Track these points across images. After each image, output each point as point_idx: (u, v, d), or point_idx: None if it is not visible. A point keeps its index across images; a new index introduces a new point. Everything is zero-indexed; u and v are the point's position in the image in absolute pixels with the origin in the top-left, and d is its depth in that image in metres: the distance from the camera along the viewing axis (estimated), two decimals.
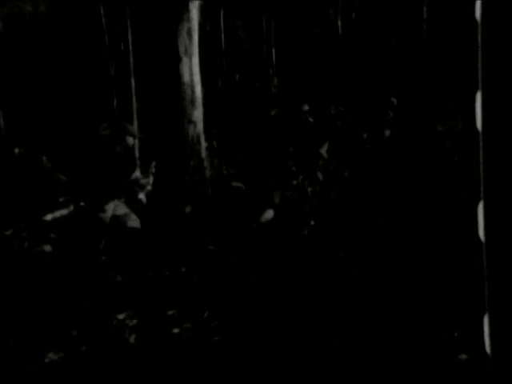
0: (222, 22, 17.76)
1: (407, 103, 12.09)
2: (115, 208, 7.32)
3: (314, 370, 4.72)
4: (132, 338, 5.36)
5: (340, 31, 17.78)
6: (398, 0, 16.39)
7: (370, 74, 15.77)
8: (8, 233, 8.04)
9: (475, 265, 5.85)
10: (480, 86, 1.44)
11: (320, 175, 8.40)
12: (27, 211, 8.86)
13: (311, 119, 12.09)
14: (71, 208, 8.64)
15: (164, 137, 8.79)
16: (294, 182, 8.46)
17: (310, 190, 8.03)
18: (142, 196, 8.44)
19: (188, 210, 7.93)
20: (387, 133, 10.20)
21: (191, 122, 8.58)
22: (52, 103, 16.18)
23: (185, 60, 8.48)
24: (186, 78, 8.51)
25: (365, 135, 9.97)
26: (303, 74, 17.04)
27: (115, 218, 7.30)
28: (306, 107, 12.78)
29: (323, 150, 9.14)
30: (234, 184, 8.78)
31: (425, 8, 15.89)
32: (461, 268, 5.96)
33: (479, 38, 1.41)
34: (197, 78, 8.65)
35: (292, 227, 7.27)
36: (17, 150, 11.76)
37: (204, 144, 8.88)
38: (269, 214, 7.57)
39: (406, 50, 16.25)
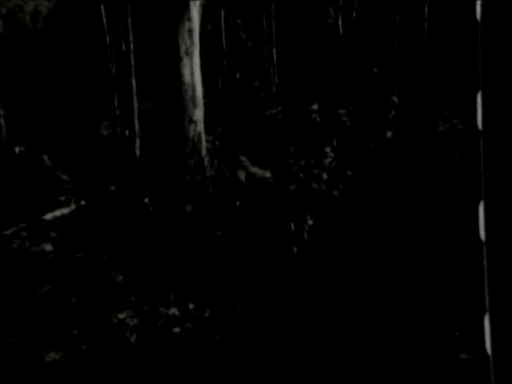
0: (222, 21, 17.77)
1: (409, 102, 12.10)
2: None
3: (313, 370, 4.72)
4: (133, 338, 5.37)
5: (341, 30, 17.78)
6: None
7: (371, 72, 15.78)
8: (8, 232, 8.04)
9: (475, 265, 5.85)
10: (480, 86, 1.44)
11: (324, 174, 8.40)
12: (28, 210, 8.86)
13: (318, 118, 12.07)
14: (72, 207, 8.65)
15: (165, 136, 8.79)
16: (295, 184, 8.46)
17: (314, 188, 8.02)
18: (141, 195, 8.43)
19: (189, 209, 7.93)
20: (389, 132, 10.20)
21: (192, 121, 8.58)
22: (53, 102, 16.19)
23: (186, 60, 8.48)
24: (186, 77, 8.51)
25: (367, 135, 9.97)
26: (304, 73, 17.04)
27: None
28: (316, 106, 12.72)
29: (328, 149, 9.13)
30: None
31: (426, 7, 15.89)
32: (461, 268, 5.96)
33: (479, 37, 1.41)
34: (198, 78, 8.65)
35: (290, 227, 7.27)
36: (17, 149, 11.77)
37: (205, 143, 8.88)
38: (267, 214, 7.58)
39: (407, 49, 16.25)
